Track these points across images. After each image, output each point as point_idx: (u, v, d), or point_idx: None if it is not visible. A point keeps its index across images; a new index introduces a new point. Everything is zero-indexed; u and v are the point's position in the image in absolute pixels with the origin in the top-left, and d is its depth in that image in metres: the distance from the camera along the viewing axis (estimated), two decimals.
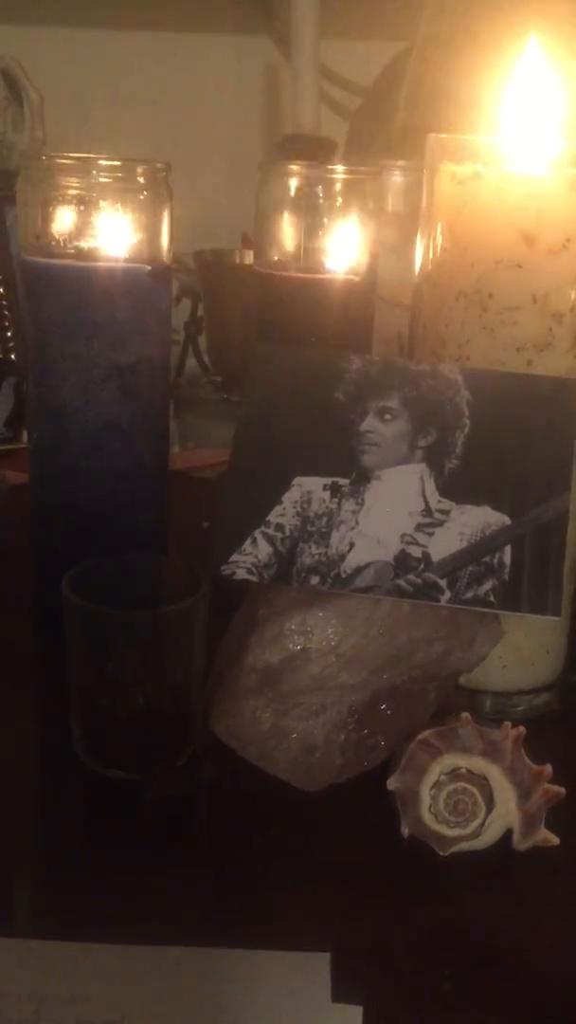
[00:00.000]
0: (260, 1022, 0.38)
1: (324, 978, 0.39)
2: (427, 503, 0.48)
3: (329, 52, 1.17)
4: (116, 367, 0.57)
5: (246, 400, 0.52)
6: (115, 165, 0.57)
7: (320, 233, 0.66)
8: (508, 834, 0.46)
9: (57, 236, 0.57)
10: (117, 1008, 0.38)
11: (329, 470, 0.49)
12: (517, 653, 0.55)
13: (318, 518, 0.49)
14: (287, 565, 0.48)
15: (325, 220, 0.66)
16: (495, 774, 0.46)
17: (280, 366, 0.52)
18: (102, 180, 0.56)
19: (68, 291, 0.57)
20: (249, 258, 0.83)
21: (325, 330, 0.65)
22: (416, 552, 0.48)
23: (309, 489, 0.49)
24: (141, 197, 0.57)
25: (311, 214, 0.66)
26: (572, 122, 0.52)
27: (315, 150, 1.08)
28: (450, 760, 0.46)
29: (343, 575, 0.48)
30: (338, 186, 0.66)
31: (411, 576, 0.47)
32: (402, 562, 0.48)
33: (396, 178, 0.79)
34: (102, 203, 0.57)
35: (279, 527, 0.49)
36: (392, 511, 0.48)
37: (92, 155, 0.57)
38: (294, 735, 0.48)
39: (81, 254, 0.57)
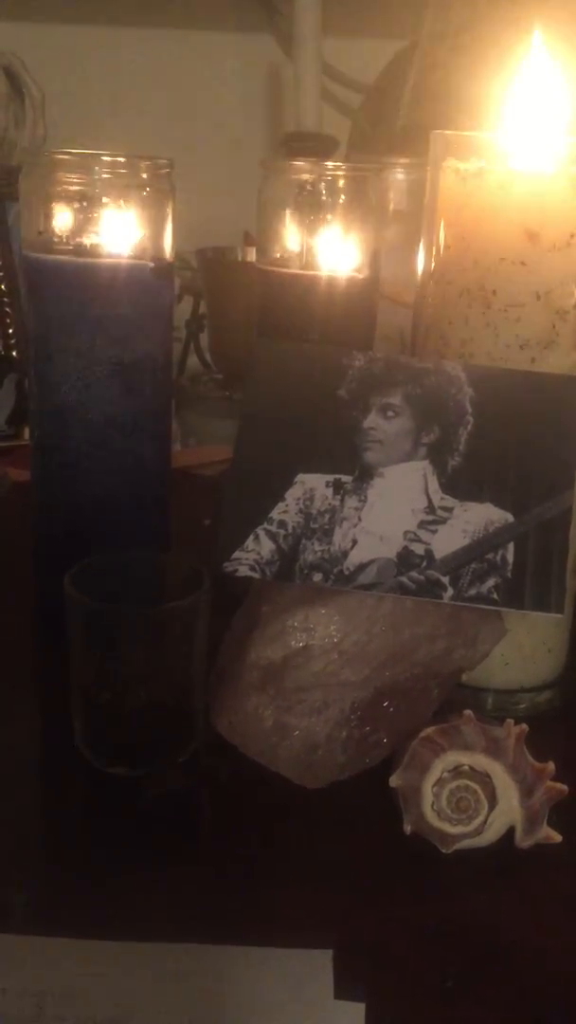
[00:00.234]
0: (262, 1019, 0.38)
1: (326, 975, 0.39)
2: (430, 500, 0.48)
3: (331, 50, 1.17)
4: (118, 364, 0.57)
5: (248, 397, 0.52)
6: (118, 161, 0.56)
7: (322, 231, 0.66)
8: (511, 832, 0.46)
9: (59, 232, 0.57)
10: (119, 1004, 0.38)
11: (332, 467, 0.49)
12: (519, 651, 0.55)
13: (321, 515, 0.49)
14: (290, 562, 0.48)
15: (327, 218, 0.66)
16: (498, 771, 0.46)
17: (282, 363, 0.52)
18: (105, 176, 0.56)
19: (70, 288, 0.57)
20: (251, 256, 0.83)
21: (327, 327, 0.65)
22: (419, 549, 0.48)
23: (312, 486, 0.49)
24: (144, 193, 0.57)
25: (313, 212, 0.66)
26: None
27: (317, 148, 1.08)
28: (453, 757, 0.46)
29: (346, 572, 0.48)
30: (340, 183, 0.66)
31: (414, 573, 0.47)
32: (405, 559, 0.48)
33: (399, 175, 0.79)
34: (104, 199, 0.56)
35: (282, 524, 0.49)
36: (395, 508, 0.48)
37: (94, 152, 0.57)
38: (296, 732, 0.48)
39: (83, 250, 0.57)
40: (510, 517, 0.48)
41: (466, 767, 0.46)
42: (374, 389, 0.50)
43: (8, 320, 1.00)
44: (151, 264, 0.57)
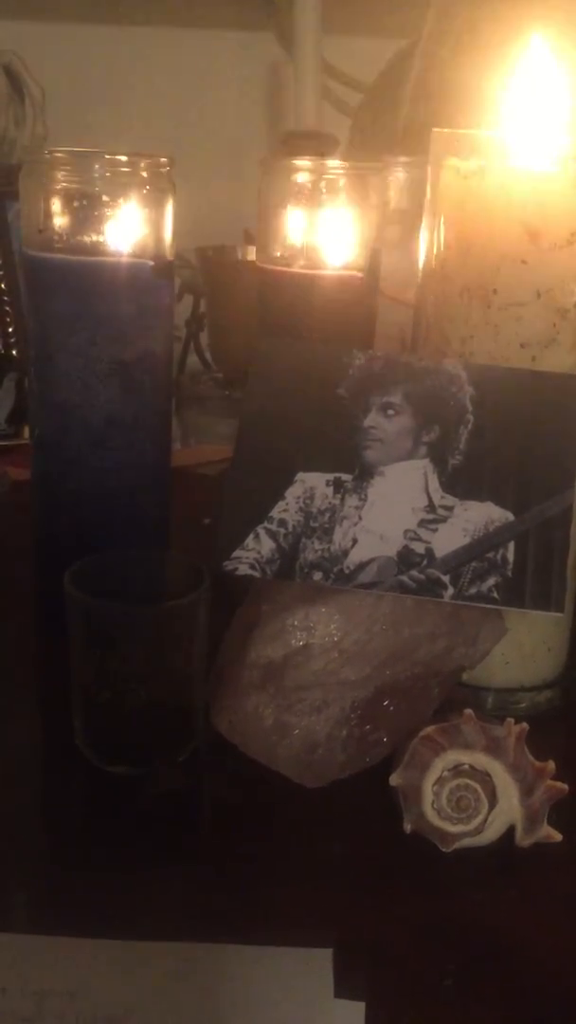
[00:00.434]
0: (262, 1018, 0.38)
1: (326, 974, 0.39)
2: (430, 499, 0.48)
3: (331, 48, 1.17)
4: (118, 363, 0.57)
5: (248, 396, 0.52)
6: (118, 160, 0.56)
7: (323, 229, 0.66)
8: (511, 830, 0.46)
9: (59, 231, 0.57)
10: (119, 1004, 0.38)
11: (332, 466, 0.49)
12: (520, 650, 0.55)
13: (321, 514, 0.49)
14: (290, 561, 0.48)
15: (328, 216, 0.66)
16: (498, 770, 0.46)
17: (282, 362, 0.52)
18: (105, 175, 0.56)
19: (70, 286, 0.56)
20: (251, 254, 0.83)
21: (328, 326, 0.65)
22: (419, 548, 0.48)
23: (312, 485, 0.49)
24: (144, 192, 0.57)
25: (314, 210, 0.66)
26: None
27: (317, 146, 1.08)
28: (453, 756, 0.46)
29: (346, 571, 0.48)
30: (341, 182, 0.66)
31: (414, 572, 0.47)
32: (405, 558, 0.47)
33: (399, 174, 0.79)
34: (104, 198, 0.56)
35: (282, 523, 0.48)
36: (395, 507, 0.48)
37: (94, 150, 0.57)
38: (296, 731, 0.48)
39: (83, 249, 0.57)
40: (510, 516, 0.48)
41: (466, 766, 0.46)
42: (374, 388, 0.50)
43: (8, 319, 1.00)
44: (151, 263, 0.57)
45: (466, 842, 0.46)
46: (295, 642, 0.48)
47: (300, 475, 0.49)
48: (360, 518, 0.48)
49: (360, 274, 0.66)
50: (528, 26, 0.54)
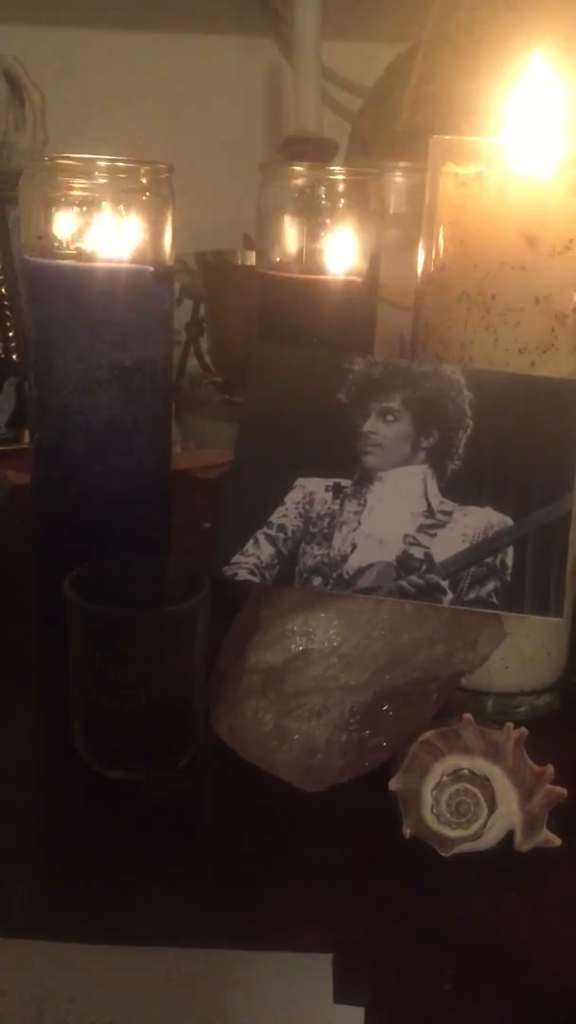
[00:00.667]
0: (262, 1023, 0.38)
1: (326, 979, 0.39)
2: (429, 504, 0.48)
3: (331, 53, 1.17)
4: (118, 368, 0.57)
5: (248, 401, 0.52)
6: (118, 166, 0.57)
7: (322, 234, 0.66)
8: (510, 835, 0.46)
9: (59, 237, 0.57)
10: (118, 1009, 0.38)
11: (331, 471, 0.49)
12: (519, 654, 0.55)
13: (320, 519, 0.49)
14: (289, 566, 0.48)
15: (327, 221, 0.66)
16: (497, 775, 0.46)
17: (282, 367, 0.52)
18: (105, 181, 0.56)
19: (70, 292, 0.57)
20: (251, 259, 0.83)
21: (327, 331, 0.65)
22: (418, 553, 0.48)
23: (311, 490, 0.49)
24: (143, 198, 0.57)
25: (313, 215, 0.66)
26: (575, 123, 0.52)
27: (317, 151, 1.08)
28: (452, 761, 0.46)
29: (345, 576, 0.48)
30: (340, 187, 0.66)
31: (413, 577, 0.47)
32: (404, 563, 0.48)
33: (398, 179, 0.79)
34: (104, 204, 0.57)
35: (281, 528, 0.49)
36: (394, 512, 0.48)
37: (94, 156, 0.57)
38: (296, 736, 0.48)
39: (83, 255, 0.57)
40: (509, 521, 0.48)
41: (465, 771, 0.46)
42: (374, 393, 0.50)
43: (8, 323, 1.00)
44: (151, 269, 0.58)
45: (465, 847, 0.46)
46: (294, 647, 0.48)
47: (299, 480, 0.49)
48: (359, 523, 0.48)
49: (359, 279, 0.66)
50: (527, 32, 0.54)
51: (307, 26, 1.12)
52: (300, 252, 0.67)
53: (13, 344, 1.00)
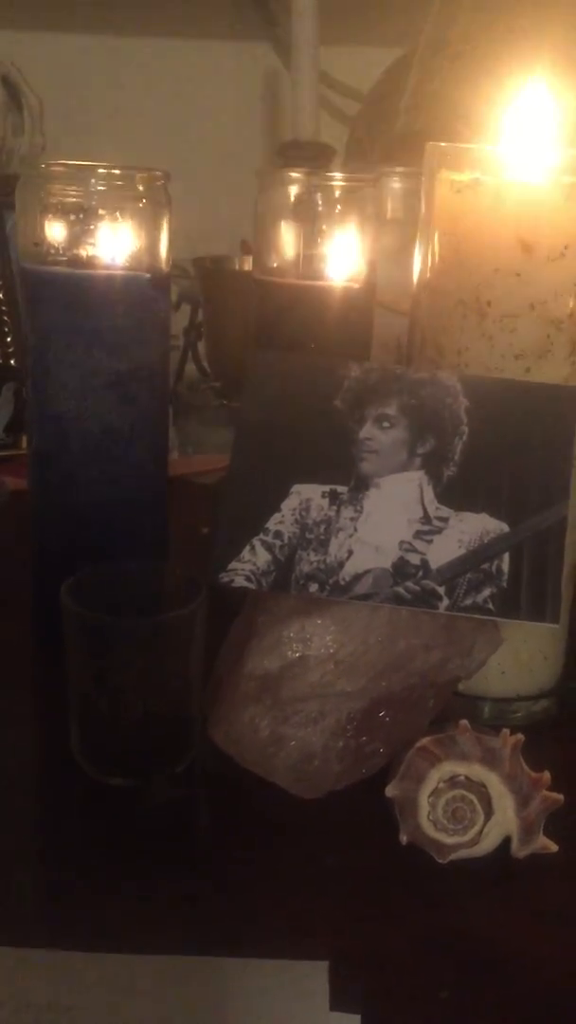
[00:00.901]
0: None
1: (322, 986, 0.39)
2: (426, 510, 0.48)
3: (328, 58, 1.17)
4: (115, 374, 0.58)
5: (245, 406, 0.52)
6: (114, 173, 0.57)
7: (319, 240, 0.66)
8: (507, 841, 0.46)
9: (56, 243, 0.57)
10: (115, 1018, 0.38)
11: (328, 477, 0.49)
12: (516, 660, 0.55)
13: (317, 525, 0.49)
14: (286, 572, 0.48)
15: (324, 227, 0.66)
16: (494, 781, 0.46)
17: (279, 373, 0.52)
18: (101, 188, 0.56)
19: (67, 298, 0.57)
20: (248, 265, 0.83)
21: (324, 337, 0.65)
22: (415, 559, 0.48)
23: (308, 496, 0.49)
24: (140, 205, 0.57)
25: (310, 221, 0.66)
26: (571, 130, 0.52)
27: (314, 156, 1.08)
28: (449, 767, 0.46)
29: (342, 582, 0.48)
30: (337, 193, 0.66)
31: (409, 583, 0.47)
32: (400, 569, 0.48)
33: (395, 185, 0.79)
34: (101, 211, 0.57)
35: (278, 534, 0.49)
36: (391, 518, 0.48)
37: (91, 163, 0.57)
38: (292, 742, 0.48)
39: (80, 261, 0.57)
40: (506, 527, 0.48)
41: (462, 777, 0.46)
42: (370, 399, 0.50)
43: (6, 329, 1.00)
44: (148, 275, 0.58)
45: (462, 853, 0.46)
46: (291, 654, 0.48)
47: (296, 487, 0.49)
48: (355, 530, 0.48)
49: (356, 285, 0.66)
50: (524, 38, 0.55)
51: (304, 31, 1.12)
52: (297, 257, 0.67)
53: (11, 350, 1.00)
